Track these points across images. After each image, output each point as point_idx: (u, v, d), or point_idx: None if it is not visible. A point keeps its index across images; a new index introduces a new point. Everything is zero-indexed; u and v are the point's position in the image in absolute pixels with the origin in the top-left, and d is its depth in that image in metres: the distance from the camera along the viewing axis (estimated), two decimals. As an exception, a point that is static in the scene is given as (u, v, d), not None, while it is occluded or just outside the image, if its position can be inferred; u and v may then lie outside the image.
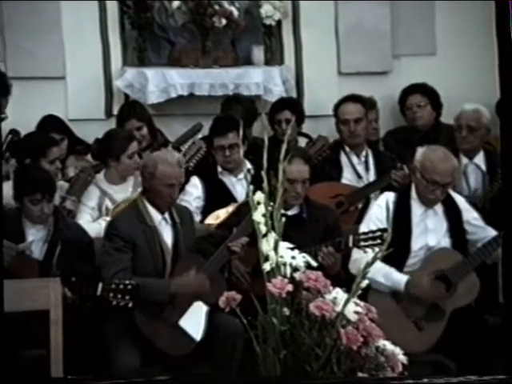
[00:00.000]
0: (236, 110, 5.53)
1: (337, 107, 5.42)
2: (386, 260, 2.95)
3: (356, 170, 5.34)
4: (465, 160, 5.26)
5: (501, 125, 3.33)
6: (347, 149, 5.37)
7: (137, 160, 4.97)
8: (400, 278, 4.43)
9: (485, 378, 2.77)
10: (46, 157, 4.82)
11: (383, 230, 4.13)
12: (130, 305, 4.00)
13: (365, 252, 4.19)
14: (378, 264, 2.92)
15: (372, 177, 5.32)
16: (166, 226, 4.40)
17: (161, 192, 4.34)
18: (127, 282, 4.02)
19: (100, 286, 4.02)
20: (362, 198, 5.16)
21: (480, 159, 5.29)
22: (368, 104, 5.67)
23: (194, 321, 4.21)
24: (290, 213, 4.38)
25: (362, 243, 4.27)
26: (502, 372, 2.89)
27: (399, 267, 4.48)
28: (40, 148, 4.84)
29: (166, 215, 4.41)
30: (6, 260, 4.07)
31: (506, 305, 3.18)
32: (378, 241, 4.12)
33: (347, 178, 5.32)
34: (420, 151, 4.56)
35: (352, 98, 5.43)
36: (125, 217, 4.42)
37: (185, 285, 4.23)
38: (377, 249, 2.99)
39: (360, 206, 5.14)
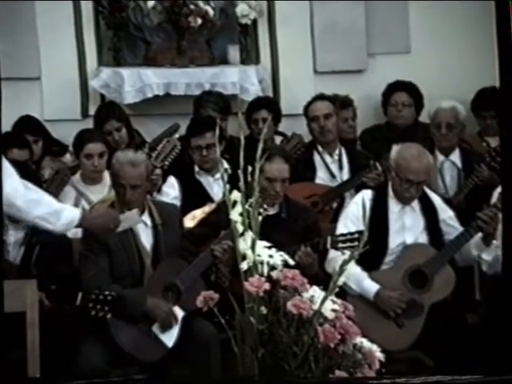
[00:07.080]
0: (208, 106, 5.54)
1: (306, 108, 5.44)
2: (364, 258, 2.94)
3: (330, 169, 5.34)
4: (441, 157, 5.29)
5: (500, 130, 3.35)
6: (320, 148, 5.38)
7: (95, 162, 4.94)
8: (370, 288, 4.41)
9: (463, 377, 2.78)
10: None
11: (361, 233, 4.13)
12: (109, 316, 3.93)
13: (342, 253, 4.18)
14: (353, 268, 2.92)
15: (346, 175, 5.32)
16: (144, 228, 4.35)
17: (121, 192, 4.30)
18: (107, 292, 3.95)
19: (80, 295, 3.95)
20: (336, 197, 5.16)
21: (456, 156, 5.32)
22: (342, 102, 5.69)
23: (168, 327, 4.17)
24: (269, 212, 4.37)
25: (340, 245, 4.27)
26: (479, 371, 2.89)
27: (377, 265, 4.50)
28: None
29: (145, 217, 4.36)
30: None
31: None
32: (356, 243, 4.11)
33: (321, 177, 5.32)
34: (394, 149, 4.55)
35: (319, 97, 5.46)
36: None
37: (159, 308, 4.15)
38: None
39: (335, 205, 5.15)
